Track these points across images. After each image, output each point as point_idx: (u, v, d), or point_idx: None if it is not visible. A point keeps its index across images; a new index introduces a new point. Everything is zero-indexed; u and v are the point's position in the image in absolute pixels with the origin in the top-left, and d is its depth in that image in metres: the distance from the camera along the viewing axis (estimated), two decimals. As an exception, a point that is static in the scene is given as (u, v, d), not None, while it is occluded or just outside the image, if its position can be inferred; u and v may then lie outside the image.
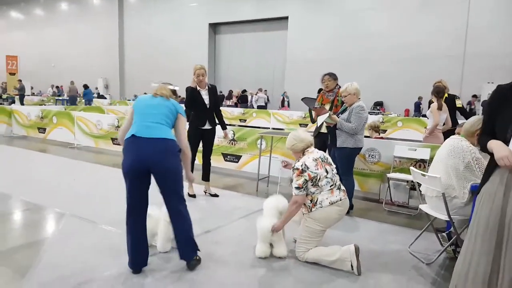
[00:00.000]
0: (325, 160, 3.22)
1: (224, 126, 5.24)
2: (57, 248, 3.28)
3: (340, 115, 4.53)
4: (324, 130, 4.74)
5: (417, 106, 16.42)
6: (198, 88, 4.90)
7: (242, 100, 18.64)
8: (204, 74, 4.89)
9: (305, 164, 3.09)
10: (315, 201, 3.11)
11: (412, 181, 4.76)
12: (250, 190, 5.58)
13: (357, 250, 2.99)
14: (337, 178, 3.26)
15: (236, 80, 22.02)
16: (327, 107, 4.84)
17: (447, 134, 4.94)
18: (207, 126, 4.96)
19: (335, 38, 18.66)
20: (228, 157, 6.67)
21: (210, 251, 3.30)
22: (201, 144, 5.05)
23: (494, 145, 2.06)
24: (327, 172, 3.14)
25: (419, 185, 3.52)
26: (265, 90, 19.62)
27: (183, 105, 3.55)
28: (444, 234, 3.55)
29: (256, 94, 18.66)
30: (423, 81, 16.34)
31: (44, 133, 9.93)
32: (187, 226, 2.90)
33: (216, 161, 6.62)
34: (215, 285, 2.76)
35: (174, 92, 3.26)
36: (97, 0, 28.05)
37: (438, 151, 3.49)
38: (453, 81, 14.50)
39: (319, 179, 3.09)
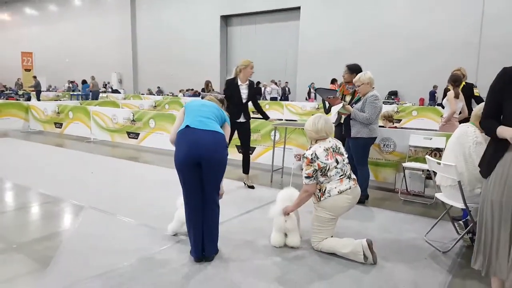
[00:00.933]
0: (337, 150, 3.21)
1: (266, 117, 5.40)
2: (77, 239, 3.37)
3: (354, 105, 4.50)
4: (342, 121, 4.72)
5: (432, 95, 16.16)
6: (239, 82, 4.96)
7: (257, 93, 18.68)
8: (253, 67, 4.99)
9: (315, 154, 3.09)
10: (323, 190, 3.12)
11: (428, 170, 4.72)
12: (264, 181, 5.61)
13: (370, 244, 2.97)
14: (347, 167, 3.24)
15: (248, 72, 21.97)
16: (348, 99, 4.80)
17: (463, 122, 4.85)
18: (241, 119, 5.03)
19: (348, 27, 18.41)
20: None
21: (225, 241, 3.34)
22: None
23: (506, 129, 2.06)
24: (337, 162, 3.14)
25: (435, 174, 3.49)
26: (279, 81, 19.51)
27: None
28: (460, 222, 3.52)
29: (269, 86, 18.62)
30: (438, 69, 16.07)
31: (60, 128, 10.13)
32: (216, 222, 3.01)
33: (230, 152, 6.65)
34: (232, 273, 2.81)
35: (221, 101, 3.46)
36: (109, -6, 28.27)
37: (450, 139, 3.45)
38: (469, 69, 14.18)
39: (329, 169, 3.10)
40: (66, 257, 3.01)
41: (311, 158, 3.09)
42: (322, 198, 3.12)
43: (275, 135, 5.90)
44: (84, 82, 20.34)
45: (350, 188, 3.14)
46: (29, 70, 24.80)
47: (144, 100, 16.77)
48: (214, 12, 22.92)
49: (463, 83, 5.62)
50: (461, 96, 5.39)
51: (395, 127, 5.86)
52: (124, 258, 3.01)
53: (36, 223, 3.89)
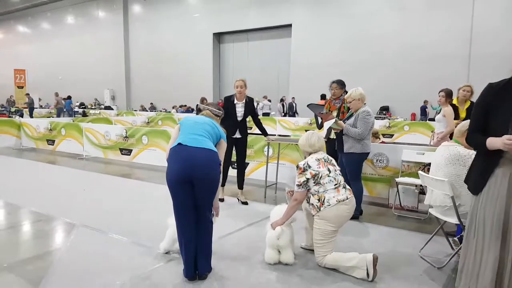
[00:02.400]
0: (328, 161, 3.31)
1: (265, 133, 5.48)
2: (69, 258, 3.32)
3: (346, 121, 4.56)
4: (332, 136, 4.79)
5: (423, 110, 16.37)
6: (235, 100, 5.04)
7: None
8: (243, 86, 5.04)
9: (307, 163, 3.21)
10: (322, 200, 3.15)
11: (421, 185, 4.75)
12: (258, 197, 5.59)
13: (375, 260, 2.97)
14: (341, 178, 3.30)
15: (241, 88, 22.13)
16: (334, 114, 4.88)
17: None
18: (237, 135, 5.11)
19: (339, 43, 18.72)
20: (235, 164, 6.68)
21: (220, 258, 3.31)
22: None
23: (495, 139, 2.05)
24: (329, 171, 3.22)
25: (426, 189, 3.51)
26: (284, 96, 19.60)
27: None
28: (455, 238, 3.53)
29: (261, 102, 18.73)
30: (429, 84, 16.33)
31: (53, 145, 10.04)
32: (209, 239, 2.98)
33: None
34: (227, 293, 2.77)
35: (218, 115, 3.40)
36: (102, 12, 28.49)
37: (434, 157, 3.46)
38: (460, 83, 14.48)
39: (321, 177, 3.17)
40: (58, 277, 2.95)
41: (303, 168, 3.19)
42: (322, 208, 3.13)
43: (268, 151, 5.91)
44: (68, 98, 20.48)
45: (347, 198, 3.19)
46: (22, 87, 24.76)
47: (137, 117, 16.76)
48: (207, 29, 23.20)
49: (469, 102, 5.60)
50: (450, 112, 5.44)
51: (383, 142, 5.92)
52: (116, 277, 2.96)
53: (27, 242, 3.82)
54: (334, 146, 4.79)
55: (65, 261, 3.25)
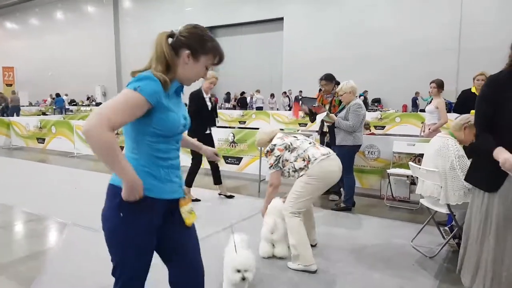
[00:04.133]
0: (289, 134, 3.40)
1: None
2: (61, 258, 3.30)
3: (338, 114, 4.57)
4: (325, 129, 4.81)
5: (414, 101, 16.49)
6: (204, 94, 4.88)
7: (242, 104, 18.67)
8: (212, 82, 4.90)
9: (272, 144, 3.21)
10: (307, 158, 3.04)
11: (412, 176, 4.79)
12: (252, 191, 5.60)
13: (311, 272, 2.96)
14: (311, 139, 3.37)
15: (234, 82, 22.07)
16: (327, 107, 4.88)
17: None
18: (207, 131, 4.99)
19: (332, 36, 18.72)
20: (229, 159, 6.68)
21: (215, 252, 3.30)
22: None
23: (501, 151, 2.02)
24: (296, 137, 3.26)
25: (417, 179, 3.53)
26: (289, 90, 19.45)
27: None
28: (446, 228, 3.57)
29: (254, 96, 18.71)
30: (420, 76, 16.43)
31: (43, 143, 9.94)
32: None
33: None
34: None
35: None
36: (92, 8, 28.14)
37: (427, 148, 3.48)
38: (449, 75, 14.59)
39: (291, 144, 3.16)
40: (50, 277, 2.94)
41: (271, 149, 3.18)
42: (309, 165, 3.01)
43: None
44: (58, 95, 20.34)
45: (330, 153, 3.12)
46: (10, 85, 24.39)
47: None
48: (200, 23, 22.26)
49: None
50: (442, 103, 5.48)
51: (373, 134, 5.96)
52: (110, 277, 2.94)
53: (19, 242, 3.79)
54: (325, 139, 4.81)
55: (57, 261, 3.23)
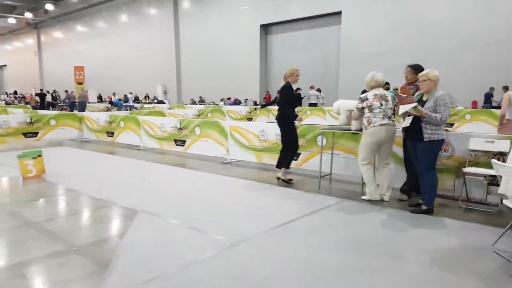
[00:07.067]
0: (384, 97, 4.56)
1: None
2: (133, 242, 3.46)
3: (423, 106, 4.15)
4: (407, 124, 4.28)
5: (488, 97, 15.14)
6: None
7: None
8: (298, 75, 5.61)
9: (366, 96, 4.61)
10: (371, 122, 4.54)
11: (490, 176, 4.40)
12: (312, 187, 5.49)
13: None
14: (390, 111, 4.54)
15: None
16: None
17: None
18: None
19: (390, 29, 17.88)
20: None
21: (277, 246, 3.28)
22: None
23: None
24: (381, 104, 4.52)
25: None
26: (318, 89, 19.20)
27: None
28: (535, 232, 3.23)
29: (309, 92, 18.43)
30: (490, 69, 15.15)
31: (112, 136, 10.59)
32: None
33: (275, 158, 6.61)
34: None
35: None
36: (153, 10, 29.48)
37: None
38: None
39: (374, 107, 4.52)
40: (124, 261, 3.08)
41: (363, 98, 4.63)
42: (369, 127, 4.56)
43: (322, 140, 5.77)
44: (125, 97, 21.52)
45: (389, 124, 4.53)
46: (81, 83, 26.29)
47: (188, 110, 17.20)
48: (254, 21, 23.18)
49: None
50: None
51: (446, 130, 5.54)
52: (178, 261, 3.03)
53: (92, 227, 4.01)
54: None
55: (130, 245, 3.39)
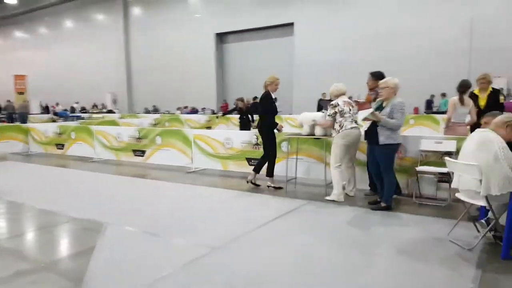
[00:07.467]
0: (349, 103, 5.01)
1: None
2: (105, 256, 3.36)
3: (381, 112, 4.51)
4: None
5: (429, 103, 16.54)
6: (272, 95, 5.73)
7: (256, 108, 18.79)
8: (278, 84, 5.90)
9: (337, 102, 4.97)
10: (342, 125, 4.91)
11: (439, 173, 4.83)
12: (279, 192, 5.65)
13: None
14: (355, 116, 4.92)
15: (244, 87, 22.20)
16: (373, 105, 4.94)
17: (473, 129, 4.93)
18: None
19: (341, 39, 18.80)
20: (252, 161, 6.75)
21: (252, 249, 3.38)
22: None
23: None
24: (350, 110, 4.94)
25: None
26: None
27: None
28: (482, 221, 3.62)
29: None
30: (432, 78, 16.55)
31: (62, 149, 10.07)
32: None
33: (240, 166, 6.74)
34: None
35: None
36: (101, 16, 28.50)
37: (465, 144, 3.52)
38: (461, 75, 14.59)
39: (344, 112, 4.90)
40: (97, 275, 3.01)
41: (334, 104, 4.96)
42: (341, 130, 4.90)
43: (288, 147, 5.98)
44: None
45: (356, 127, 4.96)
46: (22, 93, 24.69)
47: (143, 119, 16.79)
48: (209, 30, 23.23)
49: (490, 88, 5.60)
50: (467, 102, 5.51)
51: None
52: (153, 273, 3.03)
53: (60, 243, 3.87)
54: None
55: (101, 259, 3.29)
